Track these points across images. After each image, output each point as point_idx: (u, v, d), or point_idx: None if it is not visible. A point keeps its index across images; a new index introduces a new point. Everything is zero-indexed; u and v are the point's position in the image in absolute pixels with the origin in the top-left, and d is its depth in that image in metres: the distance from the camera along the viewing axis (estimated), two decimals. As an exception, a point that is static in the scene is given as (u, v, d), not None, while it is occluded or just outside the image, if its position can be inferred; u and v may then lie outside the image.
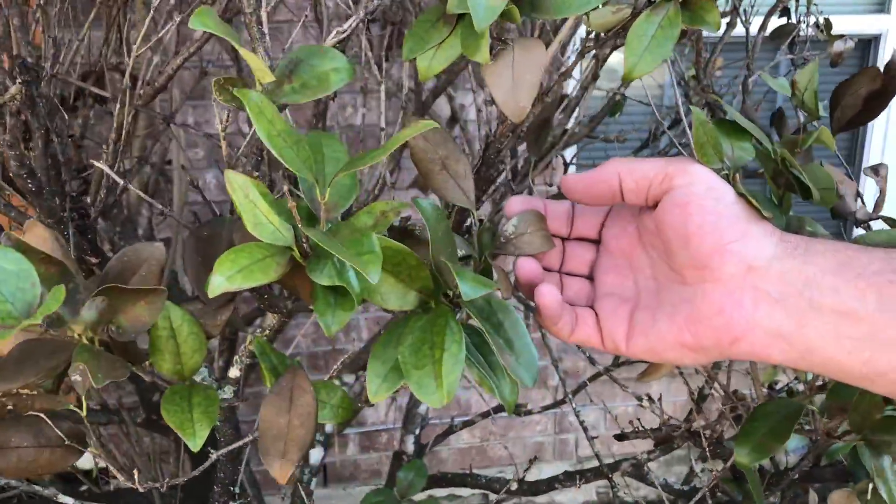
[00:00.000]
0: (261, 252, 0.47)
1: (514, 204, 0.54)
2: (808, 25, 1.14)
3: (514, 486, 1.22)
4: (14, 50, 0.77)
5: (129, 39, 1.07)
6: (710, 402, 1.18)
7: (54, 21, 0.86)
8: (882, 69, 0.58)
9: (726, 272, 0.47)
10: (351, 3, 0.81)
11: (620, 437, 0.96)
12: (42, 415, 0.57)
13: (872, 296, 0.44)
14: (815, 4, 1.11)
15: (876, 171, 0.66)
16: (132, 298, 0.51)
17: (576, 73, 1.81)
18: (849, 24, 2.34)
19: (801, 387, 1.01)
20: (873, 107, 0.59)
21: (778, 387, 1.16)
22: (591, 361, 1.14)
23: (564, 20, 0.64)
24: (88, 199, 0.88)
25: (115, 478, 0.64)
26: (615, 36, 0.57)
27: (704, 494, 0.82)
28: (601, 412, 2.47)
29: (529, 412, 1.34)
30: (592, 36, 0.59)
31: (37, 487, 0.80)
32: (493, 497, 1.25)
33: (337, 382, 1.48)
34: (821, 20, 1.12)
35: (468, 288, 0.46)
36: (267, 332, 0.70)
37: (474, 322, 0.51)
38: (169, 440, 1.47)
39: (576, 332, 0.53)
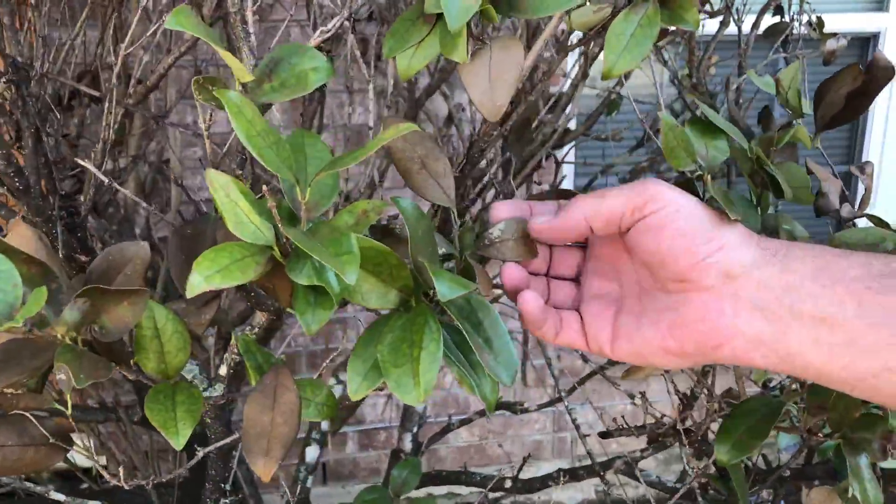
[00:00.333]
0: (241, 251, 0.47)
1: (500, 210, 0.54)
2: (801, 24, 1.14)
3: (509, 484, 1.23)
4: (6, 49, 0.78)
5: (122, 38, 1.07)
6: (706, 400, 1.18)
7: (44, 20, 0.86)
8: (864, 68, 0.58)
9: (706, 283, 0.47)
10: (339, 3, 0.81)
11: (605, 435, 0.97)
12: (27, 413, 0.57)
13: (851, 302, 0.44)
14: (807, 3, 1.11)
15: (862, 168, 0.66)
16: (115, 299, 0.51)
17: (573, 72, 1.81)
18: (847, 23, 2.34)
19: (794, 385, 1.01)
20: (856, 105, 0.59)
21: (772, 385, 1.16)
22: (584, 360, 1.14)
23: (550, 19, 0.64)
24: (82, 198, 0.89)
25: (115, 475, 0.65)
26: (597, 35, 0.57)
27: (693, 491, 0.82)
28: (601, 411, 2.47)
29: (526, 410, 1.34)
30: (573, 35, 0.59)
31: (28, 484, 0.80)
32: (491, 495, 1.25)
33: (333, 380, 1.48)
34: (814, 18, 1.12)
35: (445, 288, 0.46)
36: (257, 330, 0.70)
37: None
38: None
39: (560, 336, 0.54)
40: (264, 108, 0.61)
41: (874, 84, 0.58)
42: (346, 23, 0.85)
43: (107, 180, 0.66)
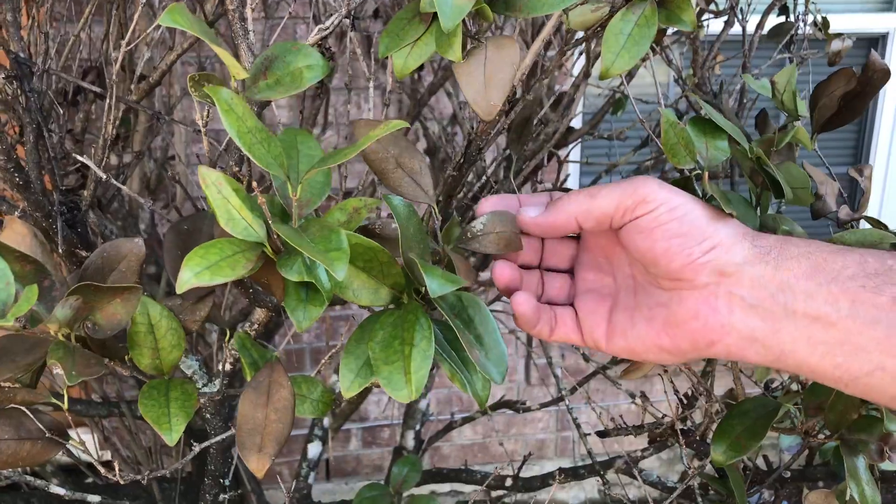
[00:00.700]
0: (231, 248, 0.47)
1: (485, 203, 0.54)
2: (806, 24, 1.13)
3: (509, 482, 1.22)
4: (10, 45, 0.78)
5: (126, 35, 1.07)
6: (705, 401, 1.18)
7: (47, 16, 0.87)
8: (859, 70, 0.58)
9: (700, 281, 0.47)
10: (342, 0, 0.81)
11: (603, 434, 0.97)
12: (23, 408, 0.58)
13: (845, 301, 0.44)
14: (813, 3, 1.11)
15: (860, 171, 0.66)
16: (107, 296, 0.51)
17: (575, 70, 1.81)
18: (855, 23, 2.33)
19: (794, 386, 1.00)
20: (852, 107, 0.59)
21: (774, 385, 1.15)
22: (585, 359, 1.14)
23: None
24: (86, 193, 0.89)
25: (121, 470, 0.65)
26: (594, 34, 0.57)
27: (694, 492, 0.82)
28: (603, 410, 2.47)
29: (529, 409, 1.34)
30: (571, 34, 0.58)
31: (29, 478, 0.81)
32: (493, 493, 1.25)
33: (335, 377, 1.48)
34: (819, 18, 1.11)
35: (436, 284, 0.46)
36: (256, 326, 0.70)
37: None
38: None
39: (555, 332, 0.54)
40: (262, 106, 0.61)
41: (870, 86, 0.58)
42: (347, 20, 0.85)
43: (103, 176, 0.66)
